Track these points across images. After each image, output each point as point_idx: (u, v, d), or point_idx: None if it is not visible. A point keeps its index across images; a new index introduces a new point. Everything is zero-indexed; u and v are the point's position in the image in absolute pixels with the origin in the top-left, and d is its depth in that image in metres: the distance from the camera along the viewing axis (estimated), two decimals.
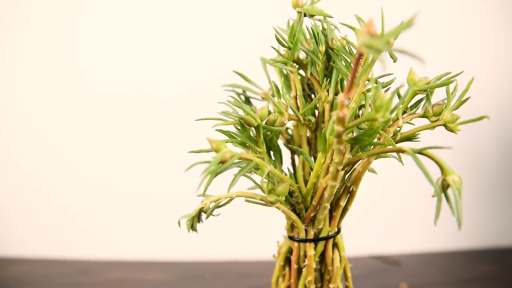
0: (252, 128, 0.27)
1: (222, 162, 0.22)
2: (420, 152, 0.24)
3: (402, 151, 0.24)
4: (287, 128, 0.32)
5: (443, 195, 0.24)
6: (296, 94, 0.30)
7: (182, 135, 0.68)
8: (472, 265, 0.69)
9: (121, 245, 0.73)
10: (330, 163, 0.26)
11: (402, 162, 0.31)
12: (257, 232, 0.71)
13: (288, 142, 0.32)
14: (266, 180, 0.25)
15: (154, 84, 0.69)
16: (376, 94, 0.25)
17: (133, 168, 0.72)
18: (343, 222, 0.30)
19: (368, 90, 0.28)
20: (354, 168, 0.29)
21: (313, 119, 0.29)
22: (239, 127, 0.27)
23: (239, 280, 0.66)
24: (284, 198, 0.27)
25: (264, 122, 0.27)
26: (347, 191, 0.29)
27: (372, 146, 0.27)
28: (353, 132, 0.27)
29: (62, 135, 0.72)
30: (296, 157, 0.32)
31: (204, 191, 0.22)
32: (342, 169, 0.27)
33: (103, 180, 0.73)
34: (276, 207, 0.27)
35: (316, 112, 0.30)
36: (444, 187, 0.24)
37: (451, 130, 0.28)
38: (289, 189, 0.27)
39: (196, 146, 0.28)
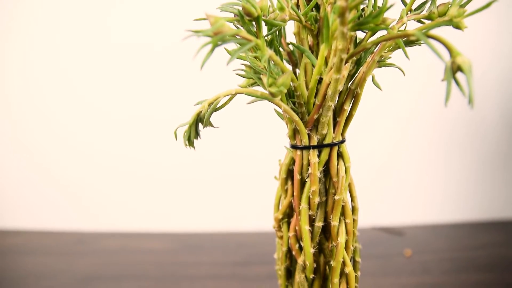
0: (253, 23, 0.26)
1: (219, 33, 0.21)
2: (427, 34, 0.23)
3: (409, 35, 0.23)
4: (288, 44, 0.31)
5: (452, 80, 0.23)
6: None
7: (178, 95, 0.67)
8: (477, 234, 0.67)
9: (119, 217, 0.72)
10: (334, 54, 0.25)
11: (403, 72, 0.30)
12: (256, 204, 0.70)
13: (289, 56, 0.31)
14: (266, 73, 0.24)
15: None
16: None
17: (130, 139, 0.71)
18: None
19: None
20: (358, 72, 0.28)
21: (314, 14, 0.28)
22: (239, 26, 0.26)
23: (238, 250, 0.64)
24: (286, 91, 0.26)
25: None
26: (352, 94, 0.27)
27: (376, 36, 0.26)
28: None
29: (55, 108, 0.71)
30: (297, 70, 0.31)
31: (202, 64, 0.21)
32: (346, 62, 0.25)
33: (99, 150, 0.71)
34: (277, 104, 0.25)
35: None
36: (454, 69, 0.23)
37: (457, 27, 0.27)
38: (291, 85, 0.26)
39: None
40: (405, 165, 0.72)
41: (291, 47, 0.31)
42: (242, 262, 0.59)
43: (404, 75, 0.30)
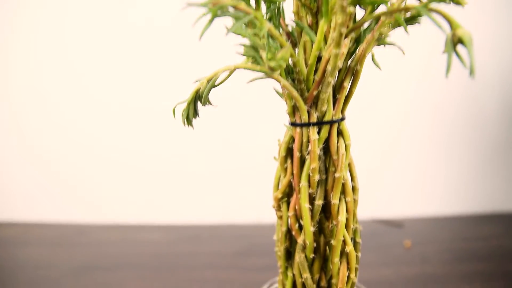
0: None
1: (218, 3, 0.21)
2: (427, 7, 0.23)
3: (409, 9, 0.23)
4: (286, 25, 0.31)
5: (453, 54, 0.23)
6: None
7: (177, 85, 0.67)
8: (477, 227, 0.67)
9: (118, 209, 0.71)
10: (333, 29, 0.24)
11: (403, 52, 0.30)
12: (255, 197, 0.70)
13: (288, 36, 0.31)
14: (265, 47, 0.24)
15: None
16: None
17: (129, 131, 0.70)
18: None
19: None
20: (358, 49, 0.27)
21: None
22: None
23: (237, 241, 0.63)
24: (285, 68, 0.26)
25: None
26: (351, 72, 0.27)
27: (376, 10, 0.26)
28: None
29: (54, 100, 0.71)
30: (296, 50, 0.31)
31: (201, 34, 0.21)
32: (345, 37, 0.25)
33: (98, 143, 0.71)
34: (276, 79, 0.25)
35: None
36: (454, 41, 0.23)
37: (457, 2, 0.27)
38: (290, 62, 0.26)
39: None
40: (405, 158, 0.72)
41: (290, 28, 0.30)
42: (241, 253, 0.59)
43: (403, 54, 0.30)
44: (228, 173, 0.71)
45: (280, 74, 0.26)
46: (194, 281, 0.51)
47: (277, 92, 0.29)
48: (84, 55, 0.69)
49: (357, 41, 0.28)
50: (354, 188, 0.30)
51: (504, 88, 0.68)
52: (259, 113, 0.68)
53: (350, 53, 0.27)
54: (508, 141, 0.70)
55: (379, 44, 0.28)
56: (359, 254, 0.31)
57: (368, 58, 0.29)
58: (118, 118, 0.70)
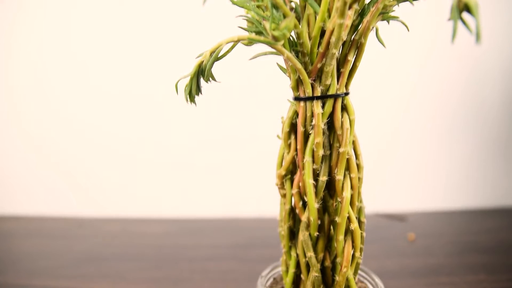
0: None
1: None
2: None
3: None
4: (290, 1, 0.31)
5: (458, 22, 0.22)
6: None
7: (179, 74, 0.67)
8: (480, 220, 0.67)
9: (119, 202, 0.71)
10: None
11: (407, 27, 0.29)
12: (257, 190, 0.69)
13: (291, 11, 0.30)
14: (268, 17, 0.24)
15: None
16: None
17: (130, 124, 0.70)
18: None
19: None
20: (362, 22, 0.27)
21: None
22: None
23: (239, 233, 0.63)
24: (289, 38, 0.25)
25: None
26: (355, 45, 0.27)
27: None
28: None
29: (54, 92, 0.70)
30: (300, 24, 0.30)
31: (204, 1, 0.21)
32: (349, 7, 0.25)
33: (99, 136, 0.71)
34: (280, 50, 0.25)
35: None
36: (460, 7, 0.23)
37: None
38: (294, 33, 0.26)
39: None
40: (407, 153, 0.71)
41: (293, 4, 0.30)
42: (242, 245, 0.59)
43: (408, 30, 0.29)
44: (230, 167, 0.70)
45: (284, 46, 0.25)
46: (196, 272, 0.51)
47: (280, 68, 0.29)
48: (81, 39, 0.69)
49: (361, 15, 0.27)
50: (358, 166, 0.29)
51: (507, 82, 0.68)
52: (261, 107, 0.68)
53: (355, 26, 0.27)
54: (511, 135, 0.69)
55: (383, 19, 0.28)
56: (364, 234, 0.30)
57: (369, 50, 0.28)
58: (118, 112, 0.70)
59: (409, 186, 0.72)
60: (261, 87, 0.67)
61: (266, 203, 0.66)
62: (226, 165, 0.70)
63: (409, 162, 0.71)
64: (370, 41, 0.31)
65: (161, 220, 0.69)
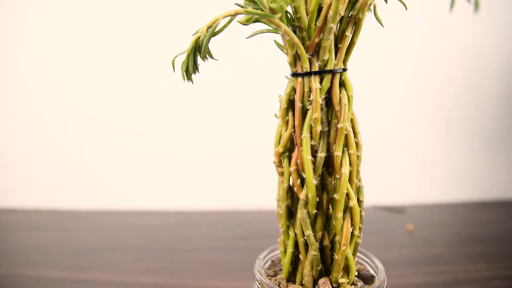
0: None
1: None
2: None
3: None
4: None
5: None
6: None
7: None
8: (480, 212, 0.67)
9: (117, 195, 0.70)
10: None
11: (406, 6, 0.29)
12: (256, 183, 0.69)
13: None
14: None
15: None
16: None
17: (129, 117, 0.70)
18: None
19: None
20: None
21: None
22: None
23: (238, 225, 0.63)
24: (286, 12, 0.25)
25: None
26: (353, 20, 0.27)
27: None
28: None
29: (53, 86, 0.70)
30: None
31: None
32: None
33: (97, 129, 0.70)
34: (277, 24, 0.25)
35: None
36: None
37: None
38: (291, 5, 0.26)
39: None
40: (406, 145, 0.71)
41: None
42: (241, 236, 0.58)
43: (406, 9, 0.29)
44: (229, 159, 0.70)
45: (281, 20, 0.25)
46: (194, 262, 0.50)
47: (278, 45, 0.28)
48: (80, 33, 0.69)
49: None
50: (357, 144, 0.29)
51: (506, 75, 0.68)
52: (259, 98, 0.68)
53: (352, 2, 0.27)
54: (510, 128, 0.69)
55: None
56: (363, 213, 0.30)
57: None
58: (115, 104, 0.69)
59: (408, 178, 0.72)
60: (258, 76, 0.67)
61: (265, 195, 0.66)
62: (225, 157, 0.70)
63: (408, 154, 0.71)
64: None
65: (159, 212, 0.68)
